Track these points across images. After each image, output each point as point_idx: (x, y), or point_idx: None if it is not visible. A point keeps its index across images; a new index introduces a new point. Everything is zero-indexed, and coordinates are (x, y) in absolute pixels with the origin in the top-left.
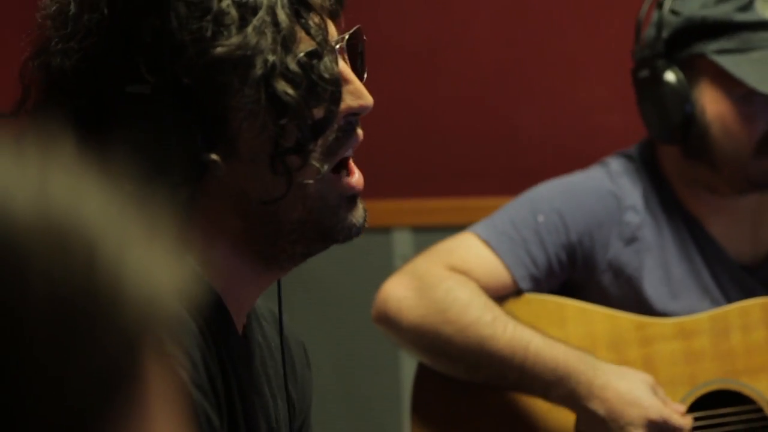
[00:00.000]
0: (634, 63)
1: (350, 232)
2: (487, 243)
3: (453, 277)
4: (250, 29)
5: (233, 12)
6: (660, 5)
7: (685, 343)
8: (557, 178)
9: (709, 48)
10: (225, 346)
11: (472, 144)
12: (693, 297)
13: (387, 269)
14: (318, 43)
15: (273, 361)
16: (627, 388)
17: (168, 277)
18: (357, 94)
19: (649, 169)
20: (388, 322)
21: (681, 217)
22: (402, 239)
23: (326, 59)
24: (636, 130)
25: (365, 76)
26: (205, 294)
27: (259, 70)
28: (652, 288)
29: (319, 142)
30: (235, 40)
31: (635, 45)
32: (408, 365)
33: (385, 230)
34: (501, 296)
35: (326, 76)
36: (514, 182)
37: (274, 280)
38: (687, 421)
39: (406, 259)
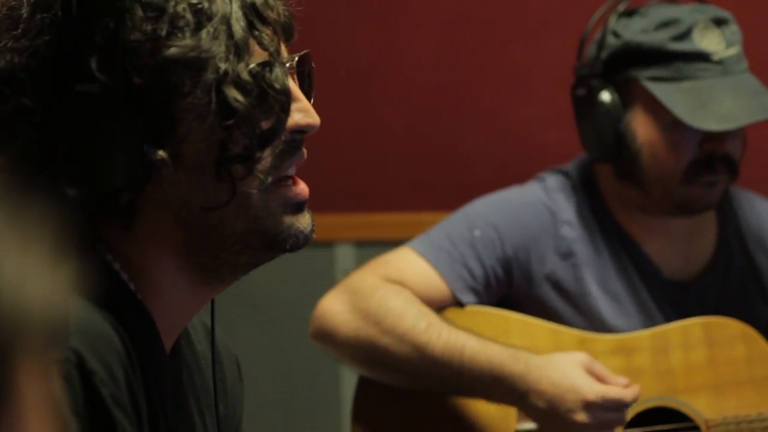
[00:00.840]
0: (575, 80)
1: (298, 240)
2: (424, 256)
3: (385, 287)
4: (204, 34)
5: (188, 16)
6: (605, 23)
7: (626, 360)
8: (494, 193)
9: (643, 74)
10: (150, 364)
11: (414, 159)
12: (631, 313)
13: (329, 283)
14: (270, 54)
15: (201, 379)
16: (560, 375)
17: (50, 288)
18: (305, 111)
19: (586, 186)
20: (325, 338)
21: (617, 235)
22: (344, 253)
23: (277, 71)
24: (575, 147)
25: (312, 99)
26: (133, 309)
27: (210, 75)
28: (588, 305)
29: (265, 153)
30: (188, 42)
31: (577, 61)
32: (348, 379)
33: (328, 244)
34: (441, 308)
35: (277, 86)
36: (454, 198)
37: (212, 296)
38: (629, 391)
39: (348, 273)
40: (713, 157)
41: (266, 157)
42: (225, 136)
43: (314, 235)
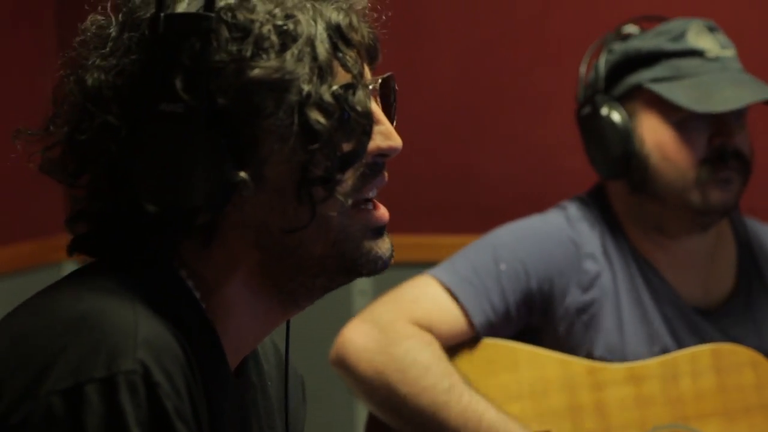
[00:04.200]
0: (577, 104)
1: (376, 265)
2: (449, 290)
3: (416, 336)
4: (288, 55)
5: (273, 37)
6: (600, 52)
7: (636, 388)
8: (517, 222)
9: (644, 77)
10: (213, 383)
11: (435, 182)
12: (642, 344)
13: (346, 303)
14: (354, 77)
15: (265, 399)
16: None
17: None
18: (387, 135)
19: (603, 213)
20: (346, 368)
21: (634, 261)
22: None
23: (360, 93)
24: (594, 174)
25: (395, 122)
26: (201, 328)
27: (294, 97)
28: (605, 337)
29: (347, 176)
30: (273, 63)
31: (578, 89)
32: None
33: None
34: (458, 343)
35: (359, 109)
36: (474, 221)
37: (285, 319)
38: None
39: (365, 294)
40: (724, 152)
41: (347, 180)
42: (306, 159)
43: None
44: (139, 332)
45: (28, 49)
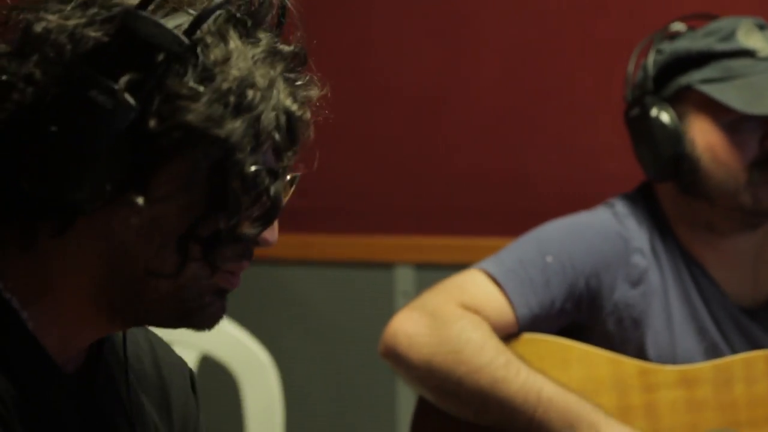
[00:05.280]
0: (626, 106)
1: (209, 322)
2: (495, 280)
3: (466, 317)
4: (238, 121)
5: (231, 98)
6: (647, 52)
7: (688, 392)
8: (564, 218)
9: (694, 78)
10: (38, 387)
11: (478, 183)
12: (691, 340)
13: (388, 305)
14: (284, 167)
15: (132, 393)
16: None
17: None
18: (273, 228)
19: (651, 211)
20: (397, 357)
21: (682, 260)
22: (404, 276)
23: (280, 183)
24: (641, 177)
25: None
26: (19, 341)
27: (221, 158)
28: (654, 332)
29: (228, 249)
30: (218, 118)
31: (626, 91)
32: (405, 403)
33: (388, 266)
34: (504, 335)
35: (274, 196)
36: (518, 224)
37: (114, 331)
38: None
39: (408, 295)
40: None
41: (225, 252)
42: (203, 217)
43: (370, 259)
44: None
45: None
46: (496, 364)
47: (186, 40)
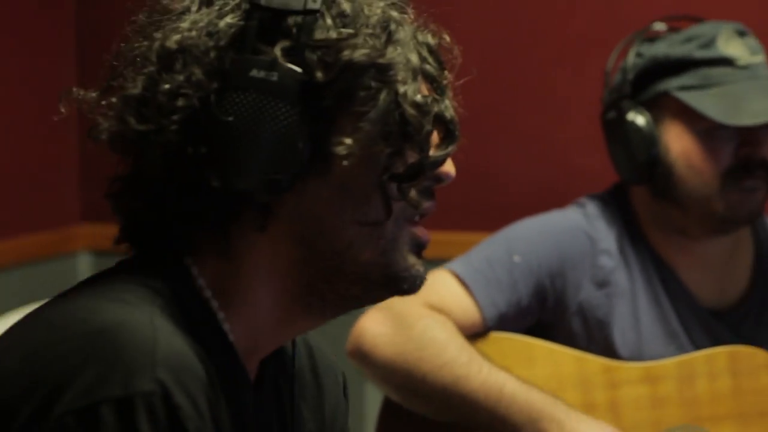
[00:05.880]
0: (603, 108)
1: (415, 282)
2: (463, 281)
3: (431, 316)
4: (392, 49)
5: (379, 30)
6: (626, 53)
7: (651, 388)
8: (534, 217)
9: (672, 85)
10: (233, 396)
11: (452, 180)
12: (659, 343)
13: None
14: (444, 88)
15: (292, 399)
16: None
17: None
18: (449, 163)
19: (622, 212)
20: (363, 357)
21: (652, 262)
22: None
23: (448, 103)
24: (613, 173)
25: None
26: (220, 342)
27: (392, 89)
28: (621, 334)
29: (421, 183)
30: (380, 49)
31: (603, 92)
32: (373, 399)
33: None
34: (470, 334)
35: (448, 116)
36: (491, 218)
37: (306, 330)
38: None
39: None
40: (750, 162)
41: (419, 187)
42: (394, 153)
43: None
44: (157, 349)
45: (47, 39)
46: (458, 362)
47: (315, 6)
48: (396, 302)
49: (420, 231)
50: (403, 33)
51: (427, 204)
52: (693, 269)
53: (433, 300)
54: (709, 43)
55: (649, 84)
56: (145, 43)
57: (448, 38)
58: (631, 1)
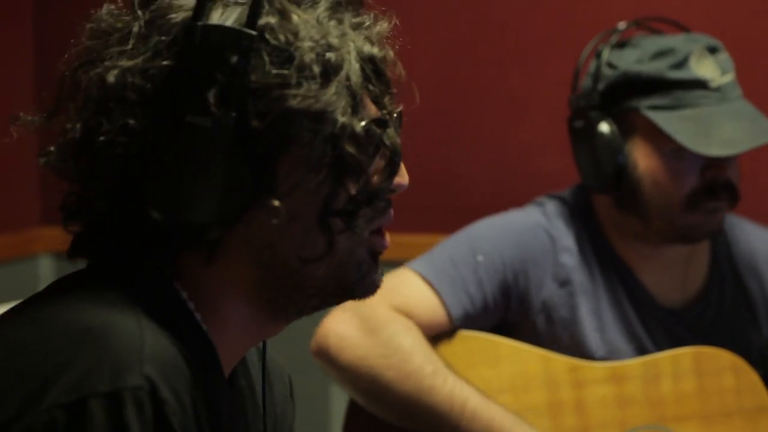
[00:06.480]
0: (570, 111)
1: (369, 289)
2: (428, 281)
3: (398, 321)
4: (331, 88)
5: (316, 68)
6: (598, 55)
7: (617, 388)
8: (495, 216)
9: (643, 103)
10: (213, 394)
11: (411, 182)
12: (621, 342)
13: None
14: (387, 113)
15: (254, 403)
16: None
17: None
18: (400, 172)
19: (583, 214)
20: (328, 358)
21: (612, 263)
22: None
23: (391, 129)
24: (572, 174)
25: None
26: (198, 339)
27: (330, 128)
28: (585, 333)
29: (366, 210)
30: (315, 94)
31: (572, 93)
32: (338, 403)
33: None
34: (438, 334)
35: (388, 144)
36: (450, 220)
37: (274, 333)
38: None
39: None
40: (715, 185)
41: (365, 214)
42: (334, 190)
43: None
44: (145, 346)
45: (5, 39)
46: (423, 372)
47: (251, 32)
48: (361, 303)
49: (378, 240)
50: (344, 57)
51: (381, 221)
52: (653, 271)
53: (398, 301)
54: (682, 63)
55: (619, 98)
56: (87, 73)
57: (392, 54)
58: (591, 2)
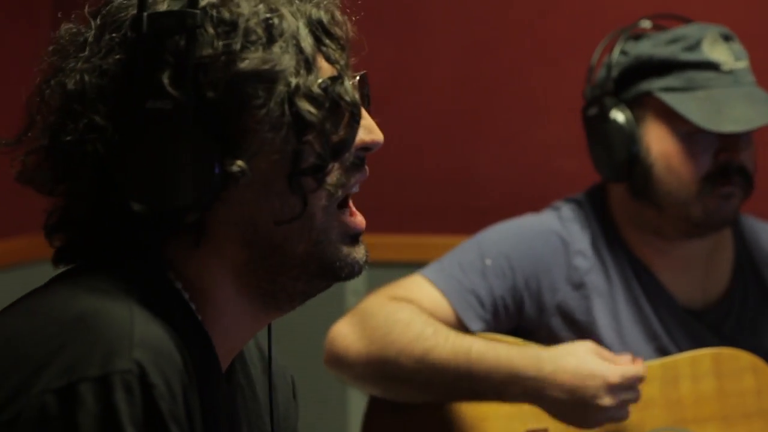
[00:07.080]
0: (585, 102)
1: (353, 269)
2: (434, 284)
3: (392, 303)
4: (275, 48)
5: (260, 31)
6: (611, 49)
7: None
8: (507, 221)
9: (656, 86)
10: (207, 385)
11: (428, 182)
12: (640, 343)
13: (339, 303)
14: (340, 69)
15: (255, 403)
16: (576, 363)
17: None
18: (370, 129)
19: (599, 213)
20: (337, 360)
21: (629, 263)
22: None
23: (347, 84)
24: (590, 175)
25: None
26: (193, 329)
27: (283, 88)
28: (603, 335)
29: (334, 168)
30: (261, 55)
31: (586, 86)
32: (356, 404)
33: None
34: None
35: (347, 99)
36: (468, 221)
37: (268, 322)
38: (639, 367)
39: (359, 294)
40: (728, 168)
41: (335, 172)
42: (298, 148)
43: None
44: (135, 332)
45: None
46: (424, 336)
47: (195, 11)
48: (363, 302)
49: (351, 220)
50: (289, 21)
51: (355, 181)
52: (672, 270)
53: (399, 294)
54: (695, 46)
55: (632, 83)
56: (50, 84)
57: (339, 15)
58: (612, 2)
